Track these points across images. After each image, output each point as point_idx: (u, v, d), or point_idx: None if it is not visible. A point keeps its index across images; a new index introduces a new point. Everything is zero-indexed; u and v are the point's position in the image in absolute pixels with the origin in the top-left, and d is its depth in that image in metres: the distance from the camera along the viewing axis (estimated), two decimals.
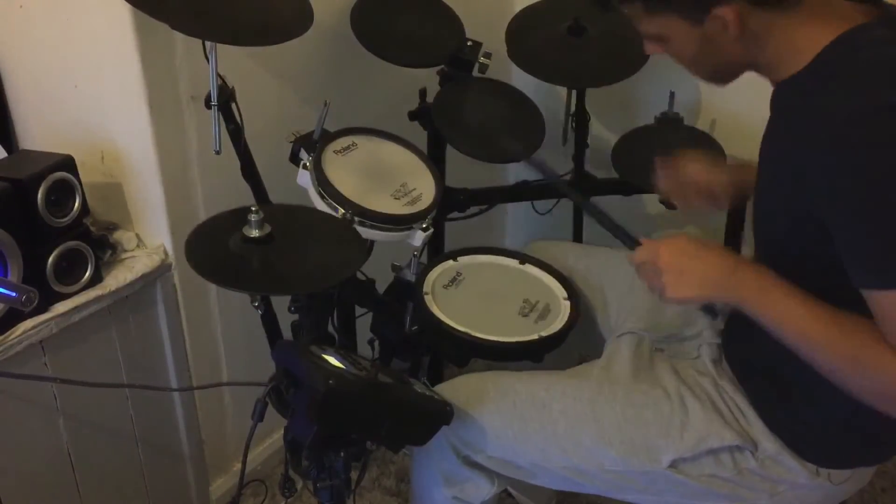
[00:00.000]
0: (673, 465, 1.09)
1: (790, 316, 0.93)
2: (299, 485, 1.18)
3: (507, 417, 1.15)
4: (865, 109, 0.82)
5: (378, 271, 1.44)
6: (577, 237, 1.94)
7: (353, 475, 1.14)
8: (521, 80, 1.74)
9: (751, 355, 1.11)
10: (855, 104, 0.83)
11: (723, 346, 1.19)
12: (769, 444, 1.07)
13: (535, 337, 1.24)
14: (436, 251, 1.76)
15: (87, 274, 1.28)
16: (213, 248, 1.09)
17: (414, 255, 1.37)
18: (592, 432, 1.12)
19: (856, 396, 0.92)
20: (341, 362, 1.06)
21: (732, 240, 1.68)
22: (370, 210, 1.27)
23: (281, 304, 1.36)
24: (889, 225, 0.83)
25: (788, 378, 1.04)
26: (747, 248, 1.56)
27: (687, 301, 1.04)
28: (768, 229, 1.04)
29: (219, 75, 1.19)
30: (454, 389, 1.20)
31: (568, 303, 1.32)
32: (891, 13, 0.92)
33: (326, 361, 1.05)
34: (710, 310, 1.13)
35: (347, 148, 1.39)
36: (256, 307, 1.33)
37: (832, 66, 0.88)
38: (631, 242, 1.09)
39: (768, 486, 1.09)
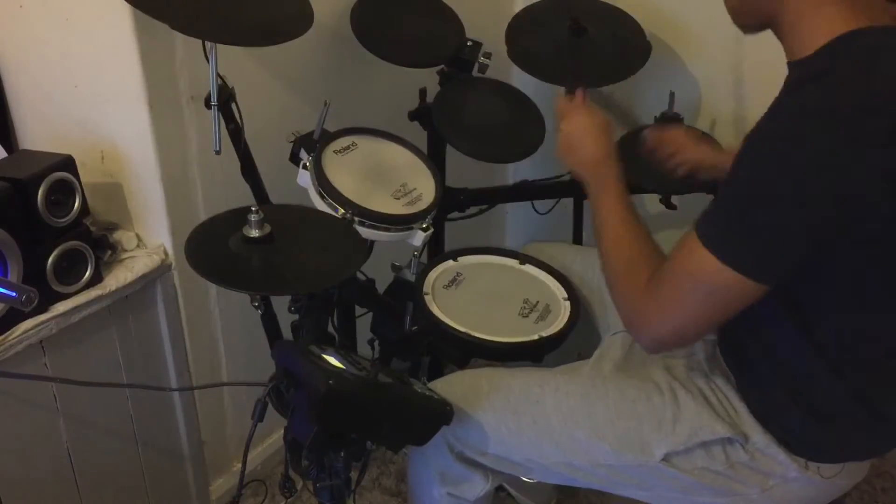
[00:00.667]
0: (665, 458, 1.10)
1: (608, 210, 1.09)
2: (299, 485, 1.18)
3: (501, 413, 1.16)
4: (822, 107, 0.83)
5: (378, 271, 1.44)
6: (577, 237, 1.94)
7: (353, 475, 1.14)
8: (521, 80, 1.74)
9: (742, 349, 1.11)
10: (817, 99, 0.84)
11: (715, 342, 1.19)
12: (759, 437, 1.07)
13: (536, 337, 1.24)
14: (436, 251, 1.76)
15: (87, 274, 1.28)
16: (213, 249, 1.09)
17: (414, 255, 1.37)
18: (585, 427, 1.13)
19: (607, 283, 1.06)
20: (341, 362, 1.06)
21: None
22: (370, 210, 1.27)
23: (281, 304, 1.36)
24: (738, 198, 0.89)
25: (776, 372, 1.04)
26: None
27: (561, 159, 1.21)
28: None
29: (219, 75, 1.19)
30: (449, 386, 1.20)
31: (568, 303, 1.32)
32: None
33: (326, 361, 1.05)
34: None
35: (347, 148, 1.39)
36: (256, 307, 1.33)
37: (827, 62, 0.87)
38: (570, 88, 1.28)
39: (760, 479, 1.09)
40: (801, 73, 0.90)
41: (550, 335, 1.24)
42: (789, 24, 0.93)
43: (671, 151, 1.44)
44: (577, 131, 1.19)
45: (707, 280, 0.90)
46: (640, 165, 1.65)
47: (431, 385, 1.21)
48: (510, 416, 1.15)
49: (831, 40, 0.88)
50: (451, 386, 1.20)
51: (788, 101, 0.88)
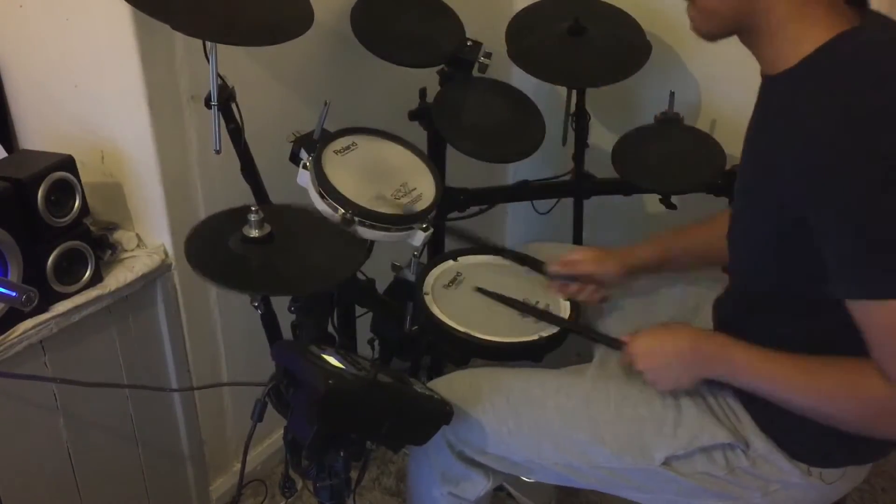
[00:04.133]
0: (666, 462, 1.09)
1: (762, 376, 1.00)
2: (299, 485, 1.19)
3: (502, 414, 1.16)
4: (858, 115, 0.82)
5: (378, 271, 1.44)
6: (577, 237, 1.94)
7: (353, 475, 1.14)
8: (521, 80, 1.74)
9: None
10: (847, 108, 0.82)
11: None
12: (760, 443, 1.07)
13: (536, 337, 1.24)
14: (436, 251, 1.76)
15: (87, 274, 1.28)
16: (212, 248, 1.09)
17: (414, 255, 1.37)
18: (586, 429, 1.13)
19: (854, 431, 0.95)
20: (341, 362, 1.06)
21: None
22: (370, 210, 1.27)
23: (281, 304, 1.36)
24: (873, 235, 0.83)
25: None
26: None
27: (672, 389, 1.11)
28: (748, 233, 1.05)
29: (219, 75, 1.19)
30: (449, 385, 1.20)
31: (568, 303, 1.32)
32: (878, 17, 0.91)
33: (326, 361, 1.05)
34: None
35: (347, 148, 1.39)
36: (256, 307, 1.33)
37: (826, 66, 0.87)
38: (616, 345, 1.17)
39: (761, 484, 1.09)
40: (803, 82, 0.89)
41: (550, 335, 1.24)
42: (769, 32, 0.91)
43: (585, 283, 1.31)
44: (647, 366, 1.10)
45: None
46: (639, 165, 1.65)
47: (432, 385, 1.21)
48: (511, 417, 1.15)
49: (821, 45, 0.87)
50: (452, 385, 1.20)
51: (833, 107, 0.84)
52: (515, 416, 1.15)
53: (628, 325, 1.29)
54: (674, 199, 1.71)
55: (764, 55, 0.95)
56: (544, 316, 1.27)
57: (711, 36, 0.97)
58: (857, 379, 0.90)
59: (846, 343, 0.90)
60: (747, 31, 0.94)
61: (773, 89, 0.96)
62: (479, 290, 1.32)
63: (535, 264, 1.36)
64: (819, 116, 0.84)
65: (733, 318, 1.13)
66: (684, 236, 1.31)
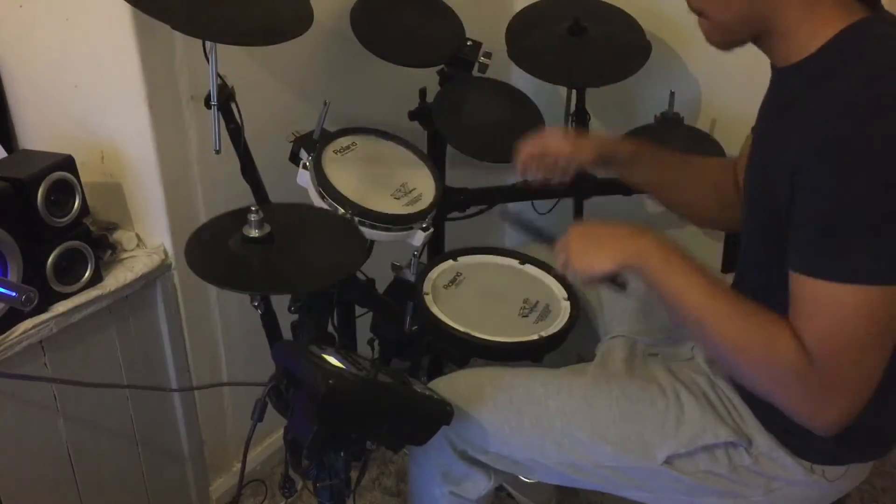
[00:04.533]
0: (668, 461, 1.09)
1: (689, 287, 0.95)
2: (299, 485, 1.18)
3: (504, 413, 1.16)
4: (872, 102, 0.82)
5: (378, 271, 1.44)
6: None
7: (353, 475, 1.14)
8: (521, 80, 1.74)
9: None
10: (862, 95, 0.83)
11: None
12: (763, 441, 1.07)
13: (536, 337, 1.24)
14: (436, 251, 1.76)
15: (87, 274, 1.28)
16: (213, 249, 1.09)
17: (414, 255, 1.37)
18: (588, 428, 1.13)
19: (749, 385, 0.95)
20: (341, 362, 1.06)
21: (732, 245, 1.68)
22: (370, 210, 1.27)
23: (281, 304, 1.36)
24: (862, 219, 0.83)
25: None
26: None
27: (593, 269, 1.03)
28: (756, 214, 1.04)
29: (219, 75, 1.19)
30: (452, 384, 1.20)
31: (568, 303, 1.32)
32: (885, 12, 0.92)
33: (326, 361, 1.05)
34: (617, 283, 1.07)
35: (347, 148, 1.39)
36: (256, 307, 1.33)
37: (842, 55, 0.88)
38: (549, 240, 1.13)
39: (763, 482, 1.09)
40: (818, 70, 0.89)
41: (550, 335, 1.24)
42: (783, 32, 0.93)
43: (550, 158, 1.27)
44: (583, 236, 1.07)
45: (878, 314, 0.84)
46: None
47: (435, 383, 1.21)
48: (513, 415, 1.15)
49: (835, 36, 0.88)
50: (455, 384, 1.20)
51: (835, 98, 0.84)
52: (517, 415, 1.15)
53: (627, 325, 1.30)
54: None
55: (777, 53, 0.96)
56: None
57: (726, 46, 0.98)
58: (777, 336, 0.89)
59: None
60: (760, 36, 0.95)
61: (786, 80, 0.96)
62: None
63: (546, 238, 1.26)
64: (820, 104, 0.85)
65: None
66: (665, 149, 1.27)
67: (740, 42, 0.97)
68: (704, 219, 1.33)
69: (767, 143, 0.99)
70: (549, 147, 1.26)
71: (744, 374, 0.95)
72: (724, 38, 0.97)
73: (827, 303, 0.85)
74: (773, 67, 0.99)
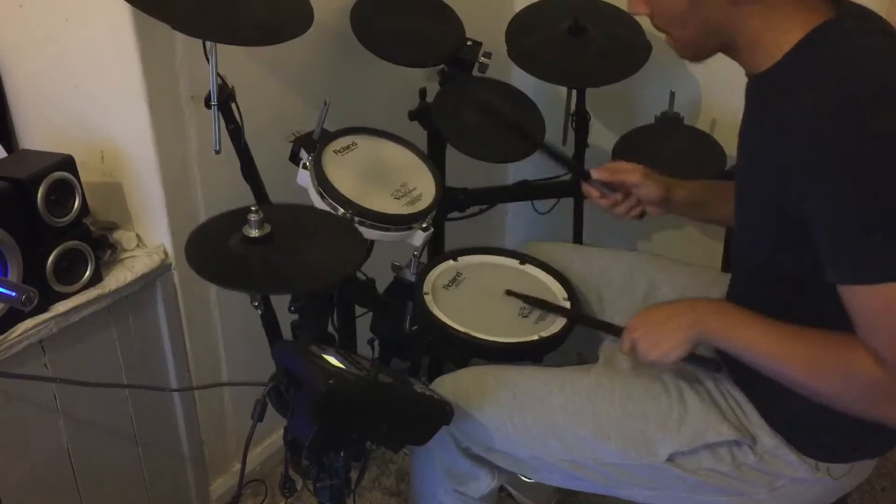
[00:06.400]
0: (670, 458, 1.09)
1: (756, 337, 0.98)
2: (299, 485, 1.18)
3: (508, 410, 1.16)
4: (844, 101, 0.83)
5: (378, 271, 1.44)
6: (578, 237, 1.94)
7: (353, 475, 1.14)
8: (521, 80, 1.74)
9: None
10: (833, 96, 0.84)
11: None
12: (768, 439, 1.07)
13: (535, 337, 1.24)
14: (436, 251, 1.76)
15: (87, 274, 1.28)
16: (213, 249, 1.09)
17: (414, 255, 1.37)
18: (591, 425, 1.13)
19: (842, 409, 0.94)
20: (341, 362, 1.06)
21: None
22: (370, 210, 1.27)
23: (281, 304, 1.36)
24: (869, 219, 0.84)
25: None
26: None
27: (666, 353, 1.05)
28: (750, 233, 1.06)
29: (219, 75, 1.19)
30: (455, 382, 1.20)
31: (568, 303, 1.32)
32: (850, 8, 0.93)
33: (326, 361, 1.05)
34: (705, 362, 1.13)
35: (347, 148, 1.39)
36: (256, 307, 1.33)
37: (809, 59, 0.89)
38: (617, 331, 1.16)
39: (767, 480, 1.09)
40: (787, 76, 0.90)
41: (550, 335, 1.24)
42: (748, 42, 0.94)
43: (625, 191, 1.25)
44: (644, 328, 1.08)
45: None
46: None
47: (438, 381, 1.22)
48: (516, 413, 1.15)
49: (800, 41, 0.89)
50: (458, 382, 1.20)
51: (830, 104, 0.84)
52: (521, 413, 1.15)
53: None
54: None
55: (746, 62, 0.98)
56: (558, 310, 1.27)
57: (695, 58, 1.03)
58: (851, 358, 0.90)
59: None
60: (727, 47, 0.98)
61: (758, 87, 0.98)
62: (510, 292, 1.31)
63: (577, 170, 1.28)
64: (800, 109, 0.86)
65: None
66: (726, 185, 1.28)
67: (709, 54, 1.00)
68: None
69: (750, 152, 1.02)
70: (624, 176, 1.24)
71: (831, 399, 0.95)
72: (692, 52, 1.02)
73: (879, 306, 0.86)
74: (747, 75, 1.01)
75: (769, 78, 0.93)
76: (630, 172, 1.23)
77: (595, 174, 1.24)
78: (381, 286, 1.47)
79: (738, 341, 1.00)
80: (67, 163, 1.23)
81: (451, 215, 1.72)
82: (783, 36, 0.91)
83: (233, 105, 1.26)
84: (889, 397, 0.90)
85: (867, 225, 0.84)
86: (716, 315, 1.03)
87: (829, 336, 0.93)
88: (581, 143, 1.80)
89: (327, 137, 1.36)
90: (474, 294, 1.34)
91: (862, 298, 0.87)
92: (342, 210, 1.26)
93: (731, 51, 0.98)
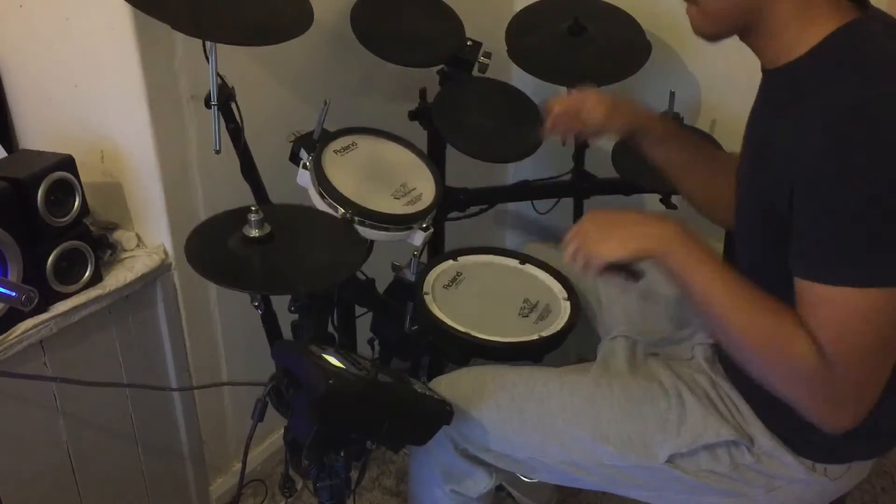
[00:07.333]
0: (670, 460, 1.09)
1: (713, 280, 0.93)
2: (299, 485, 1.19)
3: (506, 411, 1.16)
4: (866, 102, 0.83)
5: (378, 271, 1.44)
6: None
7: (353, 475, 1.14)
8: (521, 80, 1.74)
9: None
10: (855, 95, 0.83)
11: (715, 347, 1.19)
12: (765, 440, 1.07)
13: (536, 337, 1.24)
14: (436, 251, 1.76)
15: (87, 274, 1.28)
16: (213, 248, 1.09)
17: (414, 255, 1.37)
18: (590, 427, 1.13)
19: (762, 380, 0.94)
20: (341, 362, 1.06)
21: (732, 244, 1.67)
22: (370, 210, 1.27)
23: (281, 304, 1.36)
24: (855, 224, 0.83)
25: None
26: None
27: (610, 255, 0.99)
28: (747, 232, 1.05)
29: (219, 75, 1.19)
30: (453, 383, 1.20)
31: (568, 303, 1.32)
32: (876, 12, 0.92)
33: (326, 361, 1.05)
34: (632, 272, 1.04)
35: (347, 148, 1.39)
36: (256, 307, 1.33)
37: (834, 55, 0.88)
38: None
39: (765, 481, 1.09)
40: (809, 73, 0.89)
41: (550, 335, 1.24)
42: (772, 31, 0.92)
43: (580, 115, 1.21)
44: (599, 222, 1.03)
45: (886, 316, 0.84)
46: (639, 165, 1.65)
47: (436, 382, 1.21)
48: (514, 414, 1.15)
49: (825, 38, 0.88)
50: (457, 382, 1.20)
51: (832, 104, 0.84)
52: (519, 414, 1.15)
53: (628, 325, 1.29)
54: (674, 198, 1.70)
55: (766, 52, 0.96)
56: None
57: (714, 36, 0.97)
58: (794, 335, 0.88)
59: None
60: (749, 30, 0.95)
61: (776, 82, 0.97)
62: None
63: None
64: (820, 107, 0.85)
65: None
66: (686, 130, 1.24)
67: (727, 34, 0.96)
68: (717, 209, 1.29)
69: (757, 147, 1.00)
70: (584, 109, 1.20)
71: (759, 369, 0.95)
72: (712, 29, 0.96)
73: (835, 307, 0.85)
74: (763, 70, 1.00)
75: (790, 73, 0.92)
76: (593, 110, 1.20)
77: (558, 108, 1.21)
78: (381, 286, 1.47)
79: (694, 277, 0.94)
80: (67, 163, 1.23)
81: (451, 215, 1.72)
82: (810, 28, 0.89)
83: (233, 105, 1.26)
84: (823, 391, 0.89)
85: (866, 230, 0.83)
86: (683, 242, 0.96)
87: (783, 308, 0.91)
88: (581, 143, 1.80)
89: (327, 137, 1.36)
90: (474, 294, 1.34)
91: (822, 294, 0.86)
92: (342, 210, 1.26)
93: (752, 36, 0.95)
